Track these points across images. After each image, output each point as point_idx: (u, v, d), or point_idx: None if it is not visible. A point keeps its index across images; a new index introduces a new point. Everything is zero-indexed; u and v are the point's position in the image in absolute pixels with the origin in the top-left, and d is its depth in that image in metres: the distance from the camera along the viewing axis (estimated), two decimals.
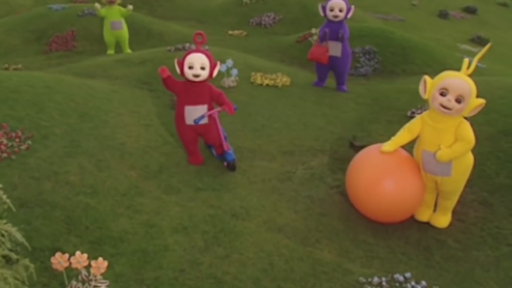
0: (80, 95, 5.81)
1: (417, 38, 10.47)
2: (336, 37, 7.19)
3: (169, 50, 8.30)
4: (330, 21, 7.21)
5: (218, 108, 4.86)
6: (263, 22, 12.84)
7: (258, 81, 7.28)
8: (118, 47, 10.18)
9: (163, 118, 5.84)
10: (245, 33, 12.20)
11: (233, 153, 5.04)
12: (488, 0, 20.97)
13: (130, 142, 5.17)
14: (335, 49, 7.30)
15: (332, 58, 7.34)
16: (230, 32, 12.30)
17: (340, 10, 7.10)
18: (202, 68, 4.62)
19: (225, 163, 4.99)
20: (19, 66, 9.22)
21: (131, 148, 5.07)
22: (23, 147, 4.58)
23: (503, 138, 5.21)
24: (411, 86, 7.21)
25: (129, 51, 9.89)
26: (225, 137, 5.05)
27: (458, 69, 3.92)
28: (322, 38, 7.28)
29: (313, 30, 10.18)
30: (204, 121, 4.80)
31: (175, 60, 4.73)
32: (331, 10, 7.13)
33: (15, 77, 5.81)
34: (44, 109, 5.24)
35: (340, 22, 7.18)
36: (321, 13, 7.28)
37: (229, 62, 6.89)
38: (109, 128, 5.29)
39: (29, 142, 4.66)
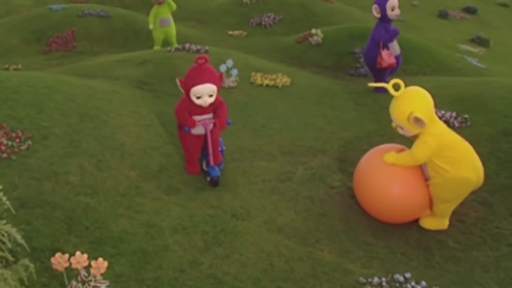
0: (80, 96, 5.81)
1: (417, 38, 10.45)
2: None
3: (169, 51, 8.30)
4: (388, 21, 7.07)
5: (212, 120, 4.65)
6: (263, 23, 12.83)
7: (258, 82, 7.28)
8: (117, 47, 10.18)
9: (163, 119, 5.84)
10: (245, 33, 12.19)
11: (220, 170, 4.77)
12: (488, 0, 20.97)
13: (130, 142, 5.17)
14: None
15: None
16: (230, 32, 12.30)
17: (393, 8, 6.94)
18: (211, 96, 4.46)
19: (208, 179, 4.72)
20: (19, 66, 9.22)
21: (131, 149, 5.07)
22: (23, 147, 4.58)
23: (503, 138, 5.21)
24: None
25: (176, 45, 9.83)
26: (221, 151, 4.97)
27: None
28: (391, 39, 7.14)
29: (313, 30, 10.18)
30: (200, 131, 4.65)
31: (177, 80, 4.52)
32: (393, 9, 6.94)
33: (15, 77, 5.81)
34: (44, 109, 5.24)
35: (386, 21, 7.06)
36: (375, 14, 7.05)
37: (229, 63, 6.89)
38: (109, 128, 5.29)
39: (29, 142, 4.66)
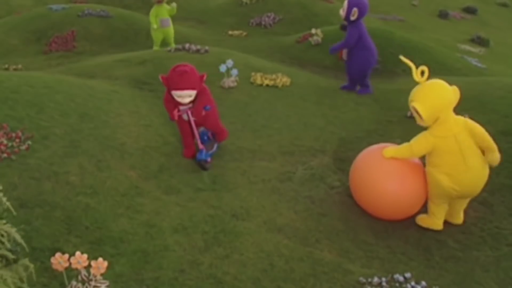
0: (80, 96, 5.81)
1: (417, 38, 10.46)
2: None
3: (169, 51, 8.30)
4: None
5: (189, 108, 4.92)
6: (263, 23, 12.83)
7: (258, 82, 7.28)
8: (117, 47, 10.17)
9: (163, 118, 5.84)
10: (245, 33, 12.19)
11: (206, 154, 4.97)
12: (488, 0, 20.97)
13: (130, 142, 5.17)
14: (344, 51, 7.40)
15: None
16: (230, 32, 12.30)
17: (343, 10, 7.13)
18: (190, 96, 4.80)
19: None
20: (19, 66, 9.22)
21: (131, 149, 5.07)
22: (23, 147, 4.58)
23: (503, 138, 5.21)
24: (411, 86, 7.18)
25: (173, 45, 9.92)
26: (211, 137, 5.28)
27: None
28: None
29: (313, 30, 10.18)
30: (186, 117, 4.97)
31: (160, 77, 4.81)
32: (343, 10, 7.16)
33: (15, 77, 5.81)
34: (44, 109, 5.24)
35: (354, 22, 7.08)
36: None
37: (229, 63, 6.89)
38: (109, 128, 5.29)
39: (29, 142, 4.66)
